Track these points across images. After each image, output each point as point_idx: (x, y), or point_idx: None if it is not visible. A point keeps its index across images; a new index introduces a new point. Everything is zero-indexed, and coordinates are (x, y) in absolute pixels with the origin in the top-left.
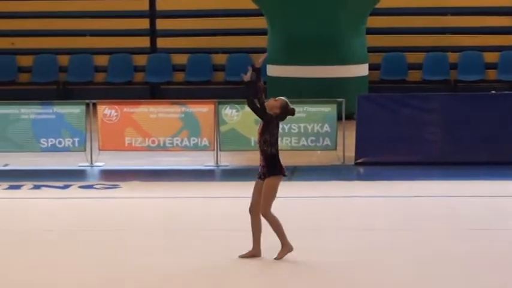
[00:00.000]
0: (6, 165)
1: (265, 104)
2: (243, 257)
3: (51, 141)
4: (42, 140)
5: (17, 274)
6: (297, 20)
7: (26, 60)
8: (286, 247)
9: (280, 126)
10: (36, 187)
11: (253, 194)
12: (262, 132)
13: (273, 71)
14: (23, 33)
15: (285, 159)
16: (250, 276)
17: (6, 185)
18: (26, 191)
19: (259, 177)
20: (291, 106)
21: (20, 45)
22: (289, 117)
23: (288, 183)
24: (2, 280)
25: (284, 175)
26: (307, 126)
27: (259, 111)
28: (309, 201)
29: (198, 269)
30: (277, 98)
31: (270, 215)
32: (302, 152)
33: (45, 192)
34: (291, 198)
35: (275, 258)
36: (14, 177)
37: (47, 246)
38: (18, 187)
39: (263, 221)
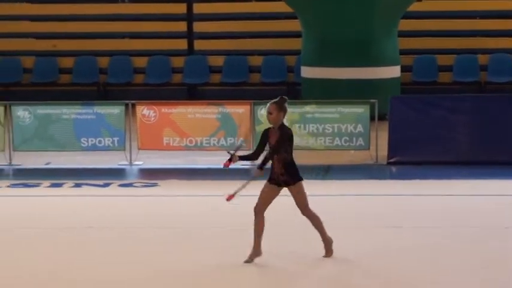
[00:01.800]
0: (48, 163)
1: (270, 119)
2: (247, 262)
3: (92, 140)
4: (83, 140)
5: (70, 272)
6: (330, 22)
7: (67, 62)
8: (327, 242)
9: (314, 126)
10: (77, 185)
11: (262, 194)
12: (282, 142)
13: (307, 72)
14: (64, 35)
15: (319, 158)
16: (313, 271)
17: (48, 183)
18: (67, 189)
19: (275, 183)
20: (285, 104)
21: (61, 47)
22: (323, 117)
23: (322, 182)
24: (56, 278)
25: (302, 179)
26: (341, 127)
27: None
28: (343, 200)
29: (243, 266)
30: (270, 111)
31: (312, 212)
32: (336, 151)
33: (85, 190)
34: (325, 197)
35: (324, 256)
36: (56, 175)
37: (92, 243)
38: (59, 185)
39: (267, 221)
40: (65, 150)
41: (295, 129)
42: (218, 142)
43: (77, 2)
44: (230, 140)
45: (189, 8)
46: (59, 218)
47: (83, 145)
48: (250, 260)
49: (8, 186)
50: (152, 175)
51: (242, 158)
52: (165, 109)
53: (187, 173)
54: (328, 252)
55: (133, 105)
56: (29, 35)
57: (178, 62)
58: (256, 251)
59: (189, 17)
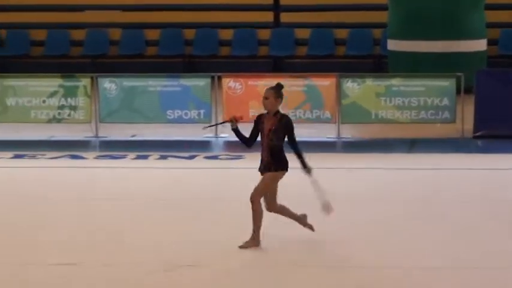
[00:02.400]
0: (133, 136)
1: (265, 104)
2: (243, 247)
3: (178, 112)
4: (169, 112)
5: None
6: None
7: (153, 34)
8: (254, 240)
9: (400, 100)
10: (163, 157)
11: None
12: (277, 130)
13: (393, 45)
14: (150, 7)
15: (405, 132)
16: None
17: (134, 155)
18: (153, 161)
19: (261, 172)
20: (282, 91)
21: (147, 19)
22: (409, 90)
23: (407, 155)
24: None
25: (287, 169)
26: (427, 100)
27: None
28: (428, 173)
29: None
30: (267, 95)
31: (258, 204)
32: (421, 125)
33: (171, 162)
34: (411, 170)
35: (239, 246)
36: (142, 147)
37: (177, 212)
38: (145, 157)
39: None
40: (151, 123)
41: (381, 102)
42: (304, 114)
43: None
44: (316, 112)
45: None
46: (144, 189)
47: (168, 117)
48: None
49: (95, 158)
50: (238, 147)
51: (238, 133)
52: (251, 82)
53: None
54: (246, 244)
55: (219, 78)
56: (116, 7)
57: (264, 34)
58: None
59: None
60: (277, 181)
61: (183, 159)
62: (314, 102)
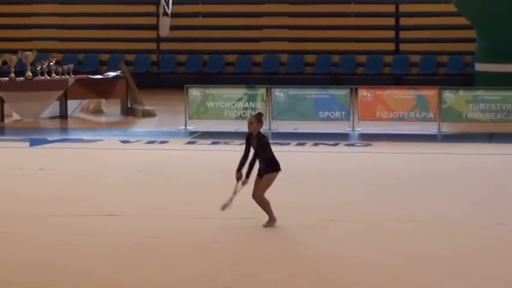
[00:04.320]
0: (295, 129)
1: (251, 128)
2: (266, 226)
3: (326, 113)
4: (320, 112)
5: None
6: (500, 29)
7: (310, 58)
8: (272, 220)
9: (483, 105)
10: (315, 144)
11: (255, 185)
12: (259, 147)
13: (479, 67)
14: (308, 39)
15: (486, 128)
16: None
17: (295, 142)
18: (308, 147)
19: (259, 175)
20: (262, 118)
21: (307, 47)
22: (489, 98)
23: (487, 145)
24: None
25: (280, 169)
26: (502, 105)
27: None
28: (504, 158)
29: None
30: (251, 121)
31: (264, 199)
32: (498, 123)
33: (321, 148)
34: (490, 155)
35: (263, 225)
36: (301, 137)
37: (330, 186)
38: (303, 144)
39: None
40: (308, 120)
41: (469, 106)
42: (415, 115)
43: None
44: (423, 113)
45: (397, 21)
46: (313, 167)
47: (320, 116)
48: (269, 225)
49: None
50: (368, 138)
51: (240, 169)
52: (378, 92)
53: (393, 137)
54: (267, 223)
55: (356, 89)
56: (284, 39)
57: (388, 59)
58: (272, 219)
59: (396, 27)
60: (273, 180)
61: (330, 146)
62: (422, 107)
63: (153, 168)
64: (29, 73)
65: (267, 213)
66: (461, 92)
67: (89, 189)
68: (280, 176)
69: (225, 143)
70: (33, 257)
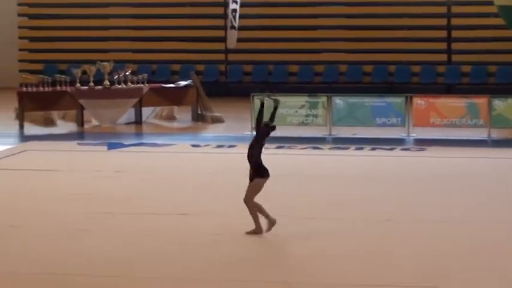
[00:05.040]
0: (354, 134)
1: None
2: (267, 231)
3: (383, 119)
4: (377, 119)
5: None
6: None
7: (368, 68)
8: (258, 229)
9: None
10: (373, 149)
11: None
12: (251, 147)
13: None
14: (368, 51)
15: None
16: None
17: (354, 147)
18: (366, 151)
19: (249, 179)
20: (271, 124)
21: (364, 58)
22: None
23: None
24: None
25: (268, 176)
26: None
27: (259, 120)
28: None
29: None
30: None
31: (252, 203)
32: None
33: (376, 152)
34: None
35: (246, 232)
36: (359, 142)
37: (372, 186)
38: (361, 148)
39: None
40: (365, 126)
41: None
42: (466, 122)
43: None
44: (474, 120)
45: (449, 34)
46: (365, 172)
47: (377, 122)
48: (269, 230)
49: (329, 149)
50: (422, 143)
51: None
52: (431, 100)
53: (445, 142)
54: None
55: (411, 97)
56: (345, 51)
57: (441, 69)
58: (271, 221)
59: (448, 39)
60: (261, 186)
61: (386, 150)
62: (472, 114)
63: (221, 170)
64: (107, 82)
65: (254, 221)
66: (509, 100)
67: (161, 189)
68: (341, 178)
69: (289, 147)
70: (107, 252)
